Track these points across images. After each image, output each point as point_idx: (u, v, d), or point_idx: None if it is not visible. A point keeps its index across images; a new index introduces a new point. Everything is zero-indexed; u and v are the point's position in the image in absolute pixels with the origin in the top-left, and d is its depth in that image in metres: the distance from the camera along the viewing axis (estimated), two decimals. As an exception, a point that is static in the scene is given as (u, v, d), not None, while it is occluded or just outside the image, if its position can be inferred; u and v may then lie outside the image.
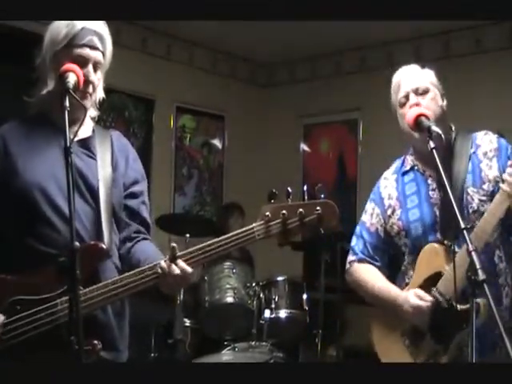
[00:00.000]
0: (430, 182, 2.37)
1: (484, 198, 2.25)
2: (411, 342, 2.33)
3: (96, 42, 1.97)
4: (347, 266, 2.54)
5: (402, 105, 2.34)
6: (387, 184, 2.49)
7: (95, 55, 1.97)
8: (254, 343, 3.80)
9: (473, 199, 2.26)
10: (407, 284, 2.38)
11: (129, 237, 2.07)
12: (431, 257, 2.29)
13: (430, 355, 2.27)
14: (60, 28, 1.96)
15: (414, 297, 2.25)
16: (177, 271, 1.84)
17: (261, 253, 5.41)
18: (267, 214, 1.87)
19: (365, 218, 2.52)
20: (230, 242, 1.88)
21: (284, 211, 1.85)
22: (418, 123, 2.21)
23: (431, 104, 2.30)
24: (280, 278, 4.17)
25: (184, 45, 5.90)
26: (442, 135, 2.07)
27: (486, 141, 2.33)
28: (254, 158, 6.39)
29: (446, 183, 1.97)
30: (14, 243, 1.93)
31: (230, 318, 4.02)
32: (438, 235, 2.30)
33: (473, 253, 1.75)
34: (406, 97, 2.32)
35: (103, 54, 2.00)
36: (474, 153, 2.32)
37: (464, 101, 5.14)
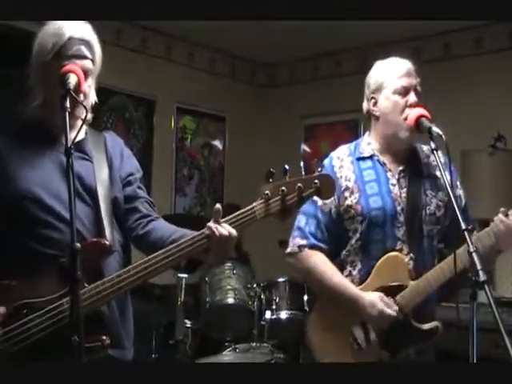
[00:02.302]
0: (389, 176, 2.36)
1: (440, 204, 2.34)
2: (356, 341, 2.30)
3: (84, 50, 1.94)
4: (294, 248, 2.39)
5: (396, 92, 2.31)
6: (343, 164, 2.40)
7: (84, 64, 1.94)
8: (254, 344, 3.79)
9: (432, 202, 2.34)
10: (347, 276, 2.32)
11: (136, 222, 2.06)
12: (395, 267, 2.27)
13: (374, 359, 2.26)
14: (47, 39, 1.94)
15: (380, 302, 2.23)
16: (225, 232, 1.87)
17: (261, 253, 5.41)
18: (266, 192, 1.88)
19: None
20: (233, 223, 1.89)
21: (283, 188, 1.88)
22: (419, 123, 2.22)
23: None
24: (281, 279, 4.17)
25: (184, 45, 5.89)
26: (443, 136, 2.08)
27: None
28: (254, 158, 6.38)
29: (448, 187, 1.97)
30: (15, 246, 1.92)
31: (231, 318, 4.02)
32: (399, 234, 2.29)
33: (474, 254, 1.76)
34: (407, 89, 2.30)
35: (92, 61, 1.98)
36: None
37: (464, 101, 5.14)
